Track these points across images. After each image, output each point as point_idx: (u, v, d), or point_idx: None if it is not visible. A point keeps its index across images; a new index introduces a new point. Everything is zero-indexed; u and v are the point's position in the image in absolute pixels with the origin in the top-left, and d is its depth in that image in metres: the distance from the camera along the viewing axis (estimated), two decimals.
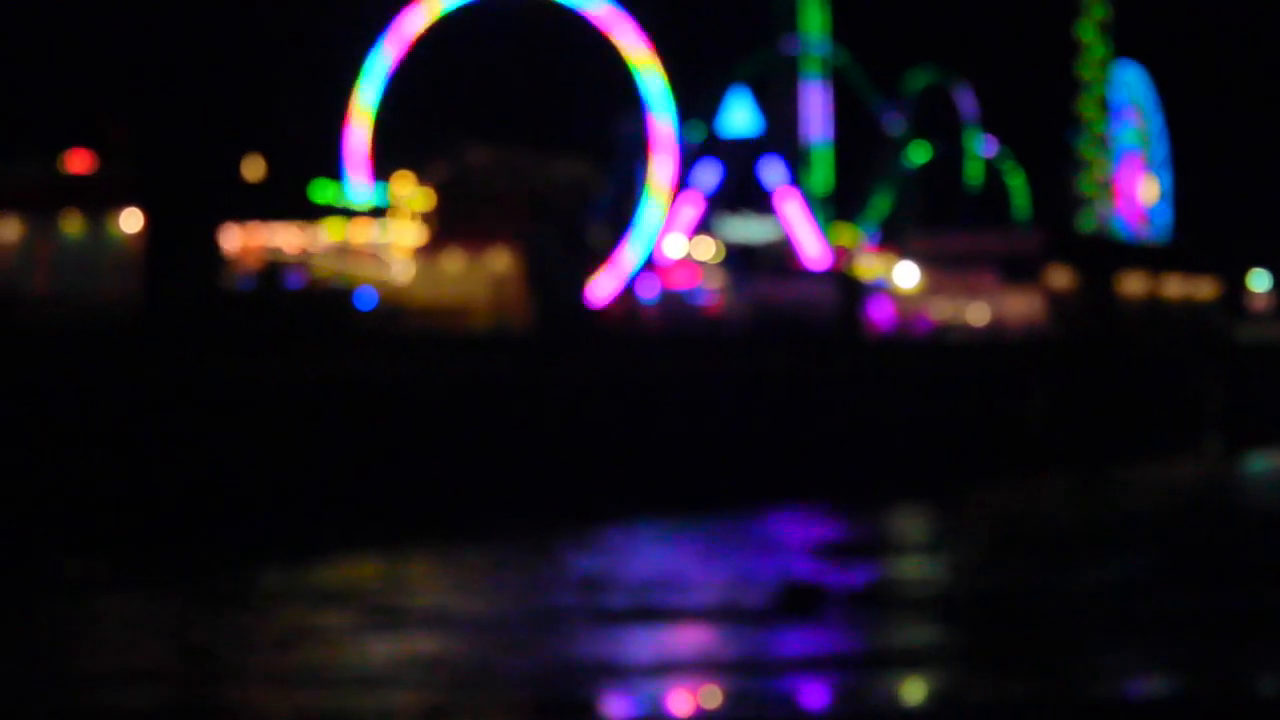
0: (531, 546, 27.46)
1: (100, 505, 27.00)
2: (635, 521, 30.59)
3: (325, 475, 29.32)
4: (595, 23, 42.94)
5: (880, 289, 51.08)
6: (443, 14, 42.54)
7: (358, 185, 41.49)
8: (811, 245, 50.88)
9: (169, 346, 29.06)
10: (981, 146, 63.19)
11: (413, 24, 43.08)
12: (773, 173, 51.05)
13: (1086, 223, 66.38)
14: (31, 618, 20.64)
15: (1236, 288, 63.69)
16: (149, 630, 19.73)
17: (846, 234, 54.20)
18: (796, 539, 29.54)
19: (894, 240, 55.06)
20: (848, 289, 44.71)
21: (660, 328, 39.38)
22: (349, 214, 38.25)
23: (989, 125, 63.03)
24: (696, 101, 49.21)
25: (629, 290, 42.39)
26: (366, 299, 35.70)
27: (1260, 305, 64.42)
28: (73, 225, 35.55)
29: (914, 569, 25.74)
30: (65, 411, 27.53)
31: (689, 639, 19.53)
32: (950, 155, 61.64)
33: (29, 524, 26.12)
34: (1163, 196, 68.17)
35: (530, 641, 18.98)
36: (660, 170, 43.38)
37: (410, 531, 28.22)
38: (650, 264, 43.92)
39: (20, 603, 21.81)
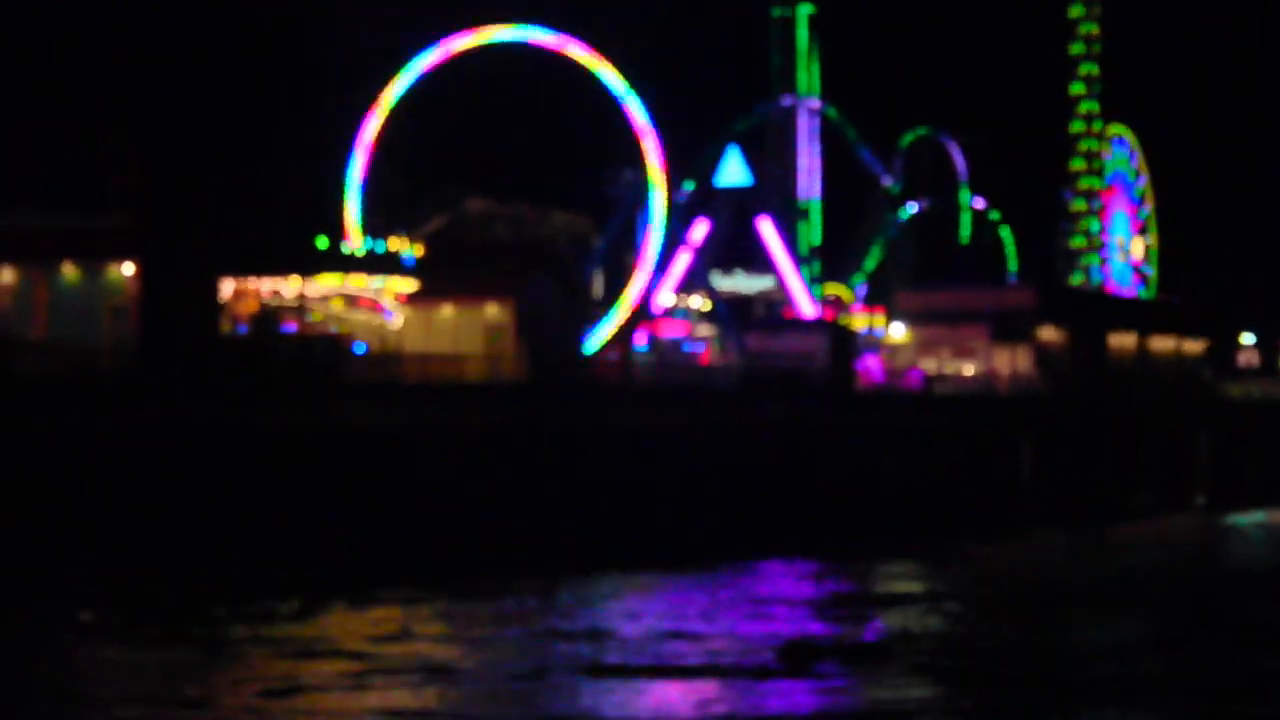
0: (519, 599, 27.32)
1: (86, 548, 26.90)
2: (626, 573, 30.44)
3: (307, 524, 29.18)
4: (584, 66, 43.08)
5: (871, 338, 51.22)
6: (406, 90, 43.04)
7: (352, 234, 41.65)
8: (802, 297, 51.06)
9: (163, 394, 29.06)
10: (971, 202, 63.42)
11: (397, 87, 43.56)
12: (764, 228, 51.27)
13: (1076, 278, 66.56)
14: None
15: (1224, 344, 63.80)
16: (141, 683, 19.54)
17: (838, 289, 54.46)
18: (791, 594, 29.40)
19: (884, 297, 55.23)
20: (839, 340, 44.65)
21: (651, 378, 39.31)
22: (345, 266, 38.42)
23: (980, 182, 63.31)
24: (691, 157, 49.53)
25: (621, 340, 42.41)
26: (359, 350, 35.72)
27: (1247, 361, 64.54)
28: (70, 273, 35.62)
29: (910, 623, 25.56)
30: (60, 456, 27.47)
31: (683, 694, 19.39)
32: (941, 211, 61.90)
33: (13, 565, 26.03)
34: (1152, 253, 68.37)
35: (518, 695, 18.89)
36: (653, 224, 43.52)
37: (397, 582, 28.08)
38: (642, 315, 43.99)
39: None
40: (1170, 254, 68.58)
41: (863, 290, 56.31)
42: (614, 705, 18.38)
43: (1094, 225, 65.08)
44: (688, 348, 46.27)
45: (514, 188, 44.70)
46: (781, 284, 51.02)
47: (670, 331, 46.68)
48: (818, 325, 46.56)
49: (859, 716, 18.12)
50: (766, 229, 50.72)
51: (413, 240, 40.99)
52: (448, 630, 24.10)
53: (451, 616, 25.34)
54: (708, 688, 19.54)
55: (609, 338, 41.88)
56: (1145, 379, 54.58)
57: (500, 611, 26.06)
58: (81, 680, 19.64)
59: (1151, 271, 67.33)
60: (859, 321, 52.40)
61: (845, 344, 44.92)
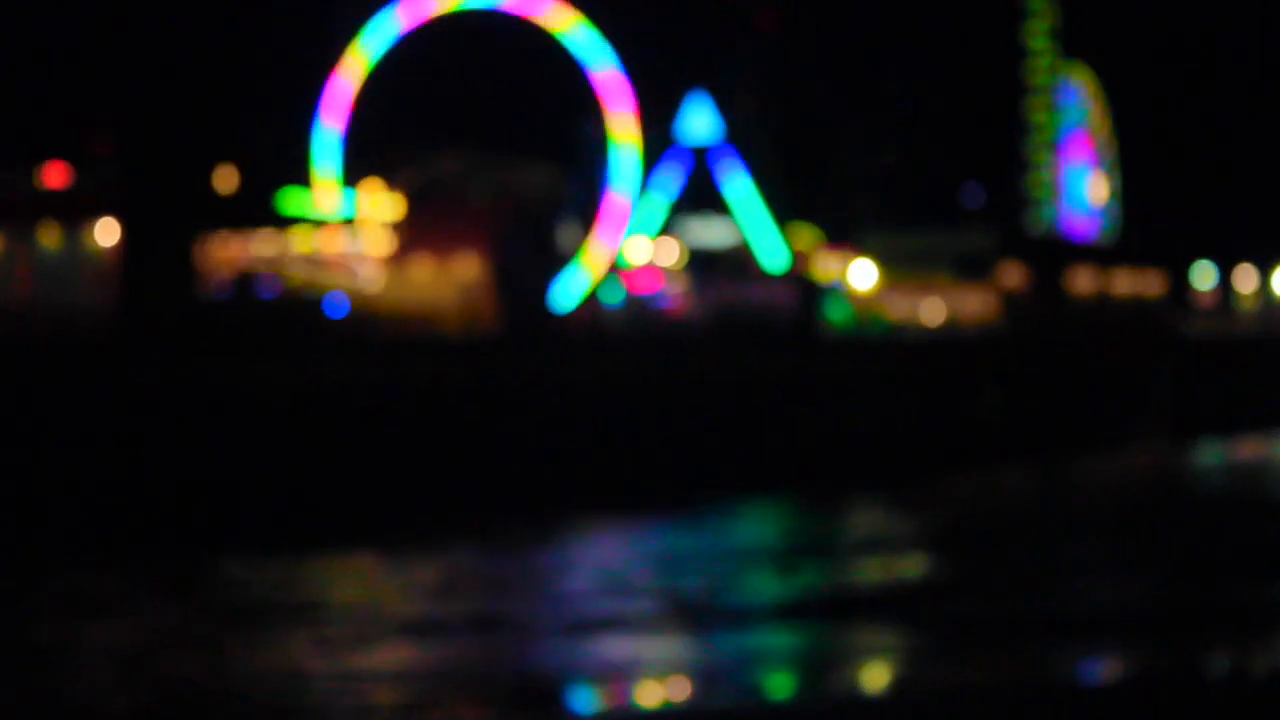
0: (497, 547, 28.00)
1: (73, 510, 27.56)
2: (602, 519, 31.09)
3: (294, 479, 29.82)
4: (544, 26, 43.61)
5: (837, 290, 51.67)
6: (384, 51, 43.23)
7: (327, 193, 41.99)
8: (764, 254, 50.89)
9: (146, 356, 29.74)
10: (934, 147, 64.00)
11: (373, 42, 43.72)
12: (732, 174, 51.51)
13: (1036, 222, 67.19)
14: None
15: (1184, 284, 64.51)
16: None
17: (804, 234, 54.92)
18: (760, 535, 30.13)
19: (850, 240, 55.66)
20: (805, 291, 45.38)
21: (624, 332, 39.93)
22: (320, 222, 38.81)
23: (943, 127, 63.48)
24: (656, 104, 49.66)
25: (593, 295, 42.89)
26: (338, 307, 36.15)
27: (1206, 301, 65.21)
28: (50, 237, 36.07)
29: (875, 567, 26.33)
30: (47, 420, 28.17)
31: (656, 644, 19.89)
32: (905, 156, 62.27)
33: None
34: (1112, 196, 68.95)
35: (497, 646, 19.33)
36: (621, 175, 44.06)
37: (381, 534, 28.64)
38: (614, 269, 44.41)
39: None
40: (1133, 196, 69.32)
41: (832, 236, 56.82)
42: (585, 653, 18.98)
43: (1047, 169, 65.57)
44: (661, 302, 46.68)
45: (486, 139, 44.99)
46: (747, 234, 51.59)
47: (643, 285, 46.87)
48: (785, 277, 47.23)
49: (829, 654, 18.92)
50: (731, 187, 51.14)
51: (390, 190, 41.33)
52: (426, 584, 24.78)
53: (426, 568, 25.97)
54: (681, 636, 20.17)
55: (584, 295, 42.34)
56: (1106, 319, 55.47)
57: (470, 562, 26.78)
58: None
59: (1112, 214, 68.07)
60: (828, 264, 53.00)
61: (810, 295, 45.67)
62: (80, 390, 28.22)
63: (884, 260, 52.64)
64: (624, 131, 43.29)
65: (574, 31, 43.49)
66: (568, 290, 42.63)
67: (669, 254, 49.30)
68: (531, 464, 33.35)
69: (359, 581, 24.97)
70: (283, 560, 25.89)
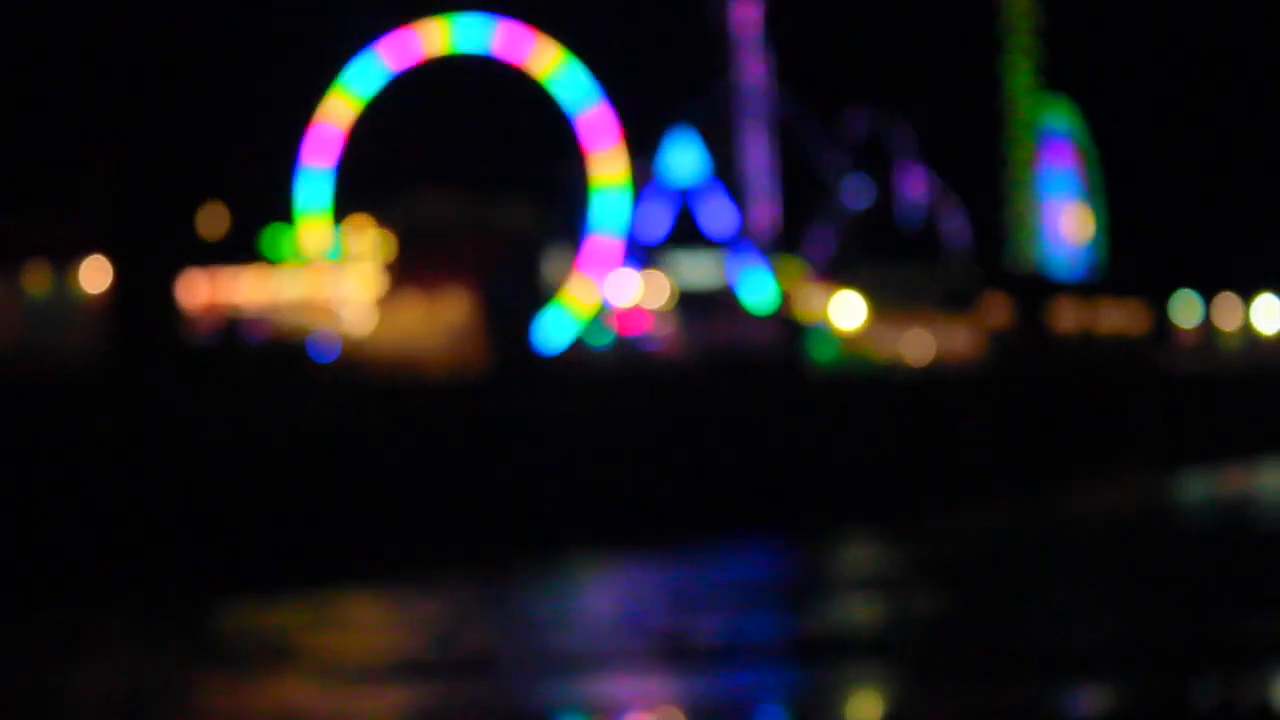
0: (492, 585, 28.14)
1: (58, 552, 27.63)
2: (592, 558, 31.27)
3: (287, 520, 29.97)
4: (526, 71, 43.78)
5: (822, 330, 51.67)
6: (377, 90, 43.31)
7: (314, 233, 42.08)
8: (757, 286, 50.79)
9: (137, 397, 29.85)
10: (916, 184, 64.20)
11: (359, 82, 43.73)
12: (718, 213, 51.65)
13: (1017, 256, 67.05)
14: None
15: (1167, 322, 64.67)
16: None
17: (790, 271, 55.00)
18: (751, 576, 30.30)
19: (835, 274, 55.75)
20: (791, 330, 45.59)
21: (612, 371, 40.07)
22: (307, 264, 38.93)
23: (926, 162, 63.58)
24: (641, 143, 49.77)
25: (580, 337, 42.99)
26: (327, 351, 36.27)
27: (1190, 339, 65.35)
28: (36, 279, 36.12)
29: (866, 606, 26.49)
30: (39, 460, 28.27)
31: (648, 682, 19.95)
32: (888, 192, 62.52)
33: None
34: (1097, 230, 69.14)
35: (495, 685, 19.43)
36: (607, 216, 44.20)
37: (364, 572, 28.78)
38: (601, 310, 44.47)
39: None
40: (1117, 229, 69.53)
41: (819, 264, 56.92)
42: (578, 693, 19.04)
43: (1027, 203, 65.67)
44: (649, 344, 46.65)
45: (473, 179, 45.10)
46: (733, 273, 51.50)
47: (631, 326, 46.35)
48: (771, 317, 47.40)
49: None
50: (718, 226, 51.23)
51: (379, 228, 41.40)
52: (415, 622, 24.94)
53: (414, 609, 26.13)
54: (669, 674, 20.24)
55: (571, 336, 42.50)
56: (1090, 355, 55.71)
57: (461, 604, 26.94)
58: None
59: (1096, 248, 68.31)
60: (814, 301, 53.10)
61: (796, 334, 45.89)
62: (72, 430, 28.34)
63: (868, 293, 52.83)
64: (610, 172, 43.46)
65: (560, 73, 43.68)
66: (555, 331, 42.76)
67: (657, 295, 48.94)
68: (521, 503, 33.52)
69: (355, 621, 25.14)
70: (277, 600, 26.06)
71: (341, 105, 43.66)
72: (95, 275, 35.41)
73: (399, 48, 44.20)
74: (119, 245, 35.47)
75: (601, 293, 44.49)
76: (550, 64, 44.21)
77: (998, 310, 53.83)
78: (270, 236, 41.55)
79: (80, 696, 19.13)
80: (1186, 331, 65.15)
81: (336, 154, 43.48)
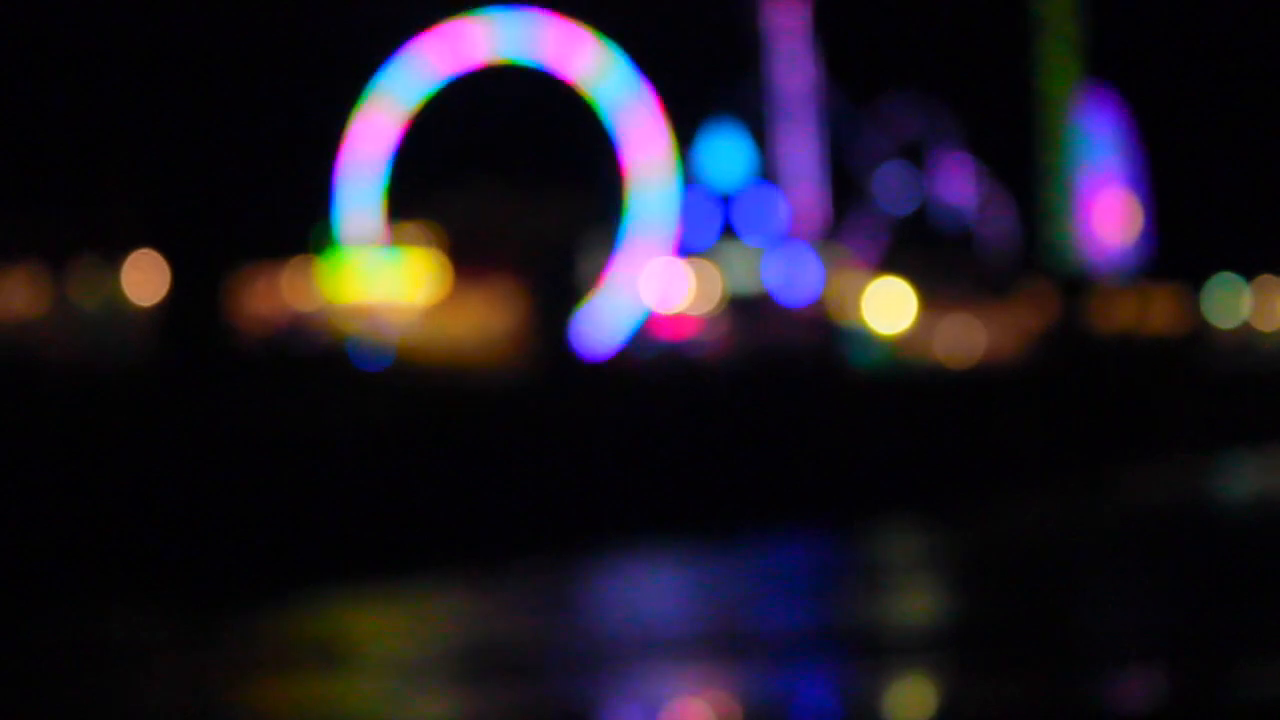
0: (539, 582, 28.40)
1: (108, 556, 27.98)
2: (643, 553, 31.51)
3: (341, 523, 30.31)
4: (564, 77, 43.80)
5: (866, 333, 51.06)
6: (433, 92, 43.01)
7: (364, 234, 42.16)
8: (806, 286, 50.19)
9: (191, 403, 30.22)
10: (959, 174, 63.81)
11: (402, 84, 43.49)
12: (763, 212, 51.28)
13: (1055, 247, 66.02)
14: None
15: (1205, 316, 64.10)
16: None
17: (839, 269, 53.96)
18: (798, 565, 30.50)
19: (879, 268, 55.24)
20: (836, 332, 45.63)
21: (657, 375, 40.22)
22: (359, 269, 39.07)
23: (968, 151, 63.06)
24: (681, 140, 49.13)
25: (627, 341, 42.95)
26: (378, 358, 36.46)
27: (1231, 335, 64.70)
28: (80, 278, 36.25)
29: (911, 597, 26.68)
30: (91, 465, 28.59)
31: (701, 673, 20.15)
32: (931, 183, 61.95)
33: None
34: (1140, 218, 68.53)
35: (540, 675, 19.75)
36: (652, 220, 44.32)
37: (410, 570, 29.03)
38: (647, 315, 44.33)
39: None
40: (1162, 218, 68.96)
41: (865, 258, 56.29)
42: (630, 685, 19.22)
43: (1066, 195, 65.07)
44: (694, 348, 46.41)
45: (523, 182, 44.88)
46: (779, 271, 50.76)
47: (677, 331, 46.09)
48: (819, 318, 47.31)
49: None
50: (765, 226, 50.86)
51: (428, 234, 41.34)
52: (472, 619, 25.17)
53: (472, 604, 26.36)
54: (717, 666, 20.40)
55: (618, 340, 42.53)
56: (1131, 342, 55.71)
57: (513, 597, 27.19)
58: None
59: (1140, 236, 67.89)
60: (860, 296, 52.15)
61: (842, 337, 45.85)
62: (122, 434, 28.63)
63: (914, 283, 52.39)
64: (656, 175, 43.42)
65: (608, 75, 43.46)
66: (602, 335, 42.55)
67: (704, 299, 47.83)
68: (568, 500, 33.78)
69: (406, 618, 25.42)
70: (330, 601, 26.36)
71: (392, 105, 43.37)
72: (141, 274, 35.46)
73: (446, 50, 44.06)
74: (170, 241, 35.47)
75: (646, 294, 44.41)
76: (598, 67, 44.23)
77: (1038, 300, 53.85)
78: (320, 234, 41.52)
79: (138, 702, 19.39)
80: (1226, 332, 64.42)
81: (387, 152, 43.10)
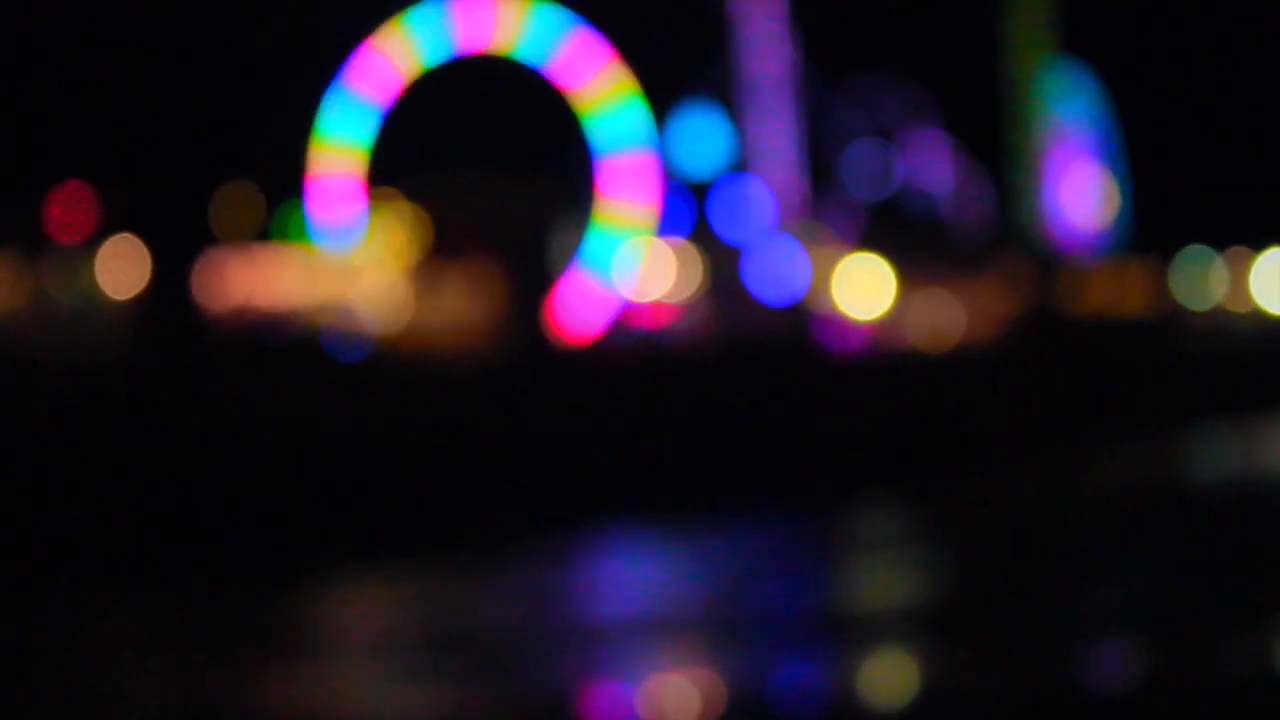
0: (520, 563, 28.61)
1: (101, 550, 28.11)
2: (622, 532, 31.74)
3: (334, 509, 30.46)
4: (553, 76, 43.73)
5: (835, 319, 50.73)
6: (424, 71, 42.74)
7: (336, 225, 42.29)
8: (784, 272, 50.03)
9: (172, 392, 30.33)
10: (933, 151, 63.92)
11: (391, 73, 43.29)
12: (740, 198, 51.03)
13: (1025, 219, 66.05)
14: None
15: (1176, 296, 64.14)
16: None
17: (819, 253, 53.67)
18: (775, 543, 30.76)
19: (856, 246, 55.21)
20: (801, 322, 45.77)
21: (637, 362, 40.43)
22: (334, 253, 39.14)
23: (941, 127, 63.15)
24: (657, 121, 48.96)
25: (605, 328, 43.07)
26: (357, 348, 36.53)
27: (1204, 317, 64.69)
28: (56, 269, 36.15)
29: (892, 570, 26.93)
30: (79, 457, 28.74)
31: (686, 651, 20.30)
32: (907, 161, 61.97)
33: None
34: (1113, 192, 68.71)
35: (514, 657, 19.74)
36: (624, 201, 44.44)
37: (391, 554, 29.18)
38: (622, 304, 44.43)
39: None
40: (1136, 192, 69.17)
41: (844, 233, 56.12)
42: (614, 663, 19.44)
43: (1033, 164, 65.02)
44: (669, 336, 46.59)
45: (508, 168, 44.69)
46: (756, 256, 50.73)
47: (652, 319, 46.14)
48: (789, 309, 47.48)
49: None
50: (742, 215, 50.75)
51: (404, 217, 41.25)
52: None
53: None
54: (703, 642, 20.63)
55: (599, 330, 42.63)
56: (1106, 318, 56.06)
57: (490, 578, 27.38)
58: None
59: (1112, 210, 68.10)
60: (840, 278, 51.88)
61: (807, 326, 46.06)
62: (109, 427, 28.76)
63: (892, 261, 52.45)
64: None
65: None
66: (582, 321, 42.60)
67: (680, 286, 47.74)
68: (549, 481, 33.95)
69: (394, 607, 25.62)
70: (316, 591, 26.52)
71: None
72: (115, 262, 35.39)
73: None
74: (144, 227, 35.34)
75: (624, 282, 44.14)
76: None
77: (1012, 279, 54.13)
78: (294, 218, 41.30)
79: (146, 693, 19.45)
80: (1201, 304, 64.45)
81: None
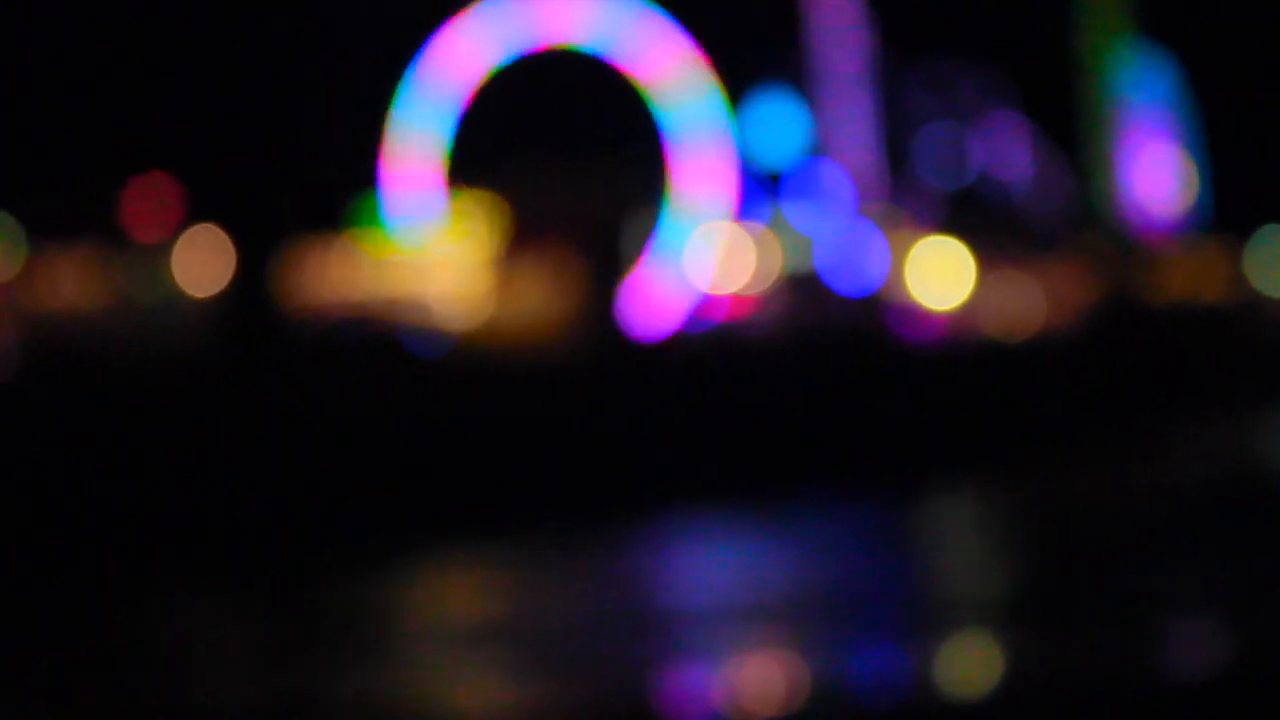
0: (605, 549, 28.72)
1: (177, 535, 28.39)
2: (700, 526, 31.88)
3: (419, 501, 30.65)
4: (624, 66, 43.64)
5: (912, 308, 49.88)
6: (499, 69, 42.72)
7: (414, 215, 42.04)
8: (864, 262, 49.44)
9: (258, 385, 30.50)
10: (1012, 135, 62.75)
11: (470, 66, 42.91)
12: (819, 186, 50.65)
13: (1099, 208, 65.21)
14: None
15: (1251, 282, 63.33)
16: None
17: (899, 241, 52.69)
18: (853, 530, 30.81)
19: (929, 221, 54.65)
20: (875, 314, 45.57)
21: (715, 357, 40.33)
22: (408, 245, 39.14)
23: (1016, 107, 62.49)
24: (732, 109, 48.49)
25: (681, 321, 42.93)
26: (437, 345, 36.45)
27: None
28: (141, 281, 36.02)
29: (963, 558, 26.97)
30: (161, 447, 28.97)
31: (759, 639, 20.43)
32: (974, 141, 61.14)
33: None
34: (1192, 178, 67.83)
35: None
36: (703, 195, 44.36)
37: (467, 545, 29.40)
38: (701, 295, 44.15)
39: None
40: (1215, 179, 68.28)
41: (920, 215, 55.50)
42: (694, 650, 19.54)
43: (1106, 148, 64.21)
44: (747, 329, 46.17)
45: (573, 147, 44.44)
46: (837, 247, 50.02)
47: (729, 312, 45.50)
48: (866, 300, 47.20)
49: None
50: (818, 206, 49.96)
51: (482, 213, 41.14)
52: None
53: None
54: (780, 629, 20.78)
55: (673, 321, 42.61)
56: (1184, 316, 55.58)
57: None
58: None
59: (1191, 197, 67.41)
60: (918, 265, 51.16)
61: (884, 316, 45.77)
62: (189, 420, 29.02)
63: (971, 245, 51.87)
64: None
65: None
66: (658, 316, 42.42)
67: (755, 277, 47.08)
68: (634, 474, 34.00)
69: (465, 595, 25.79)
70: (389, 580, 26.76)
71: (474, 51, 42.39)
72: (197, 253, 35.44)
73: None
74: (228, 218, 35.38)
75: (699, 272, 43.71)
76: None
77: (1088, 261, 53.86)
78: (371, 207, 41.14)
79: (229, 686, 19.53)
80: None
81: (446, 127, 42.36)
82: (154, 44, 38.93)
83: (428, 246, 41.04)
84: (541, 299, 40.88)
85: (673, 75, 44.15)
